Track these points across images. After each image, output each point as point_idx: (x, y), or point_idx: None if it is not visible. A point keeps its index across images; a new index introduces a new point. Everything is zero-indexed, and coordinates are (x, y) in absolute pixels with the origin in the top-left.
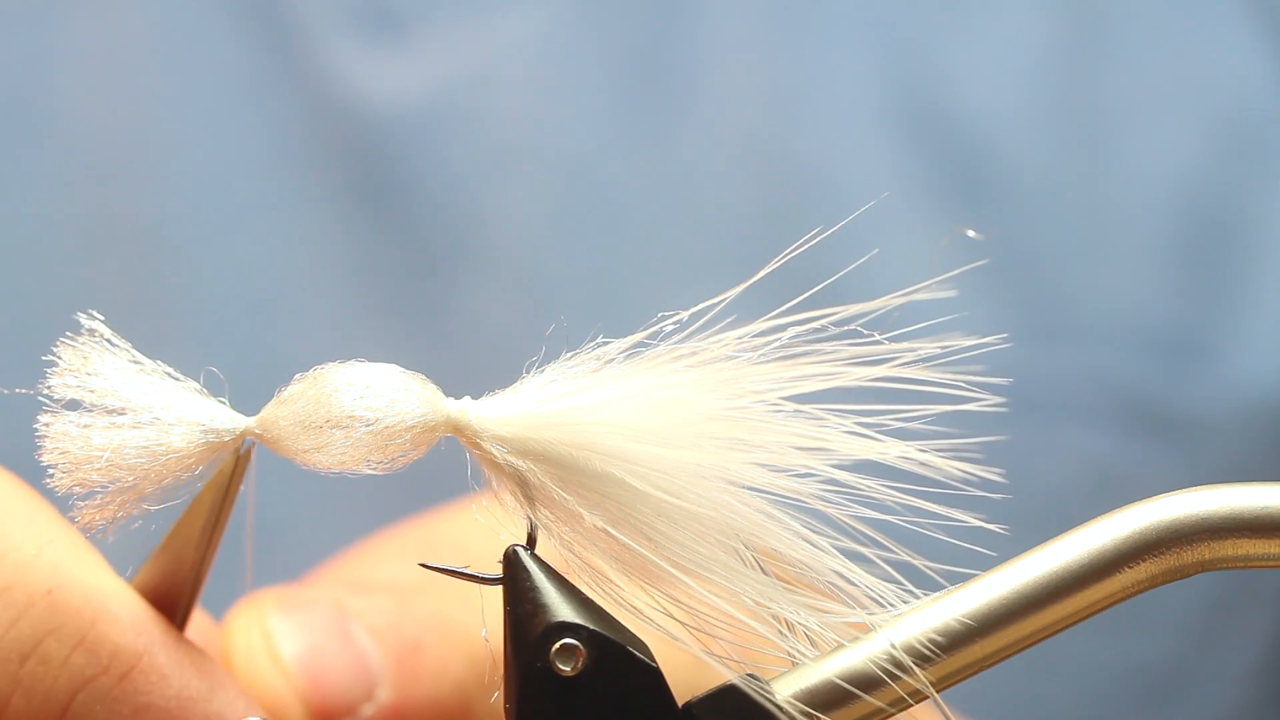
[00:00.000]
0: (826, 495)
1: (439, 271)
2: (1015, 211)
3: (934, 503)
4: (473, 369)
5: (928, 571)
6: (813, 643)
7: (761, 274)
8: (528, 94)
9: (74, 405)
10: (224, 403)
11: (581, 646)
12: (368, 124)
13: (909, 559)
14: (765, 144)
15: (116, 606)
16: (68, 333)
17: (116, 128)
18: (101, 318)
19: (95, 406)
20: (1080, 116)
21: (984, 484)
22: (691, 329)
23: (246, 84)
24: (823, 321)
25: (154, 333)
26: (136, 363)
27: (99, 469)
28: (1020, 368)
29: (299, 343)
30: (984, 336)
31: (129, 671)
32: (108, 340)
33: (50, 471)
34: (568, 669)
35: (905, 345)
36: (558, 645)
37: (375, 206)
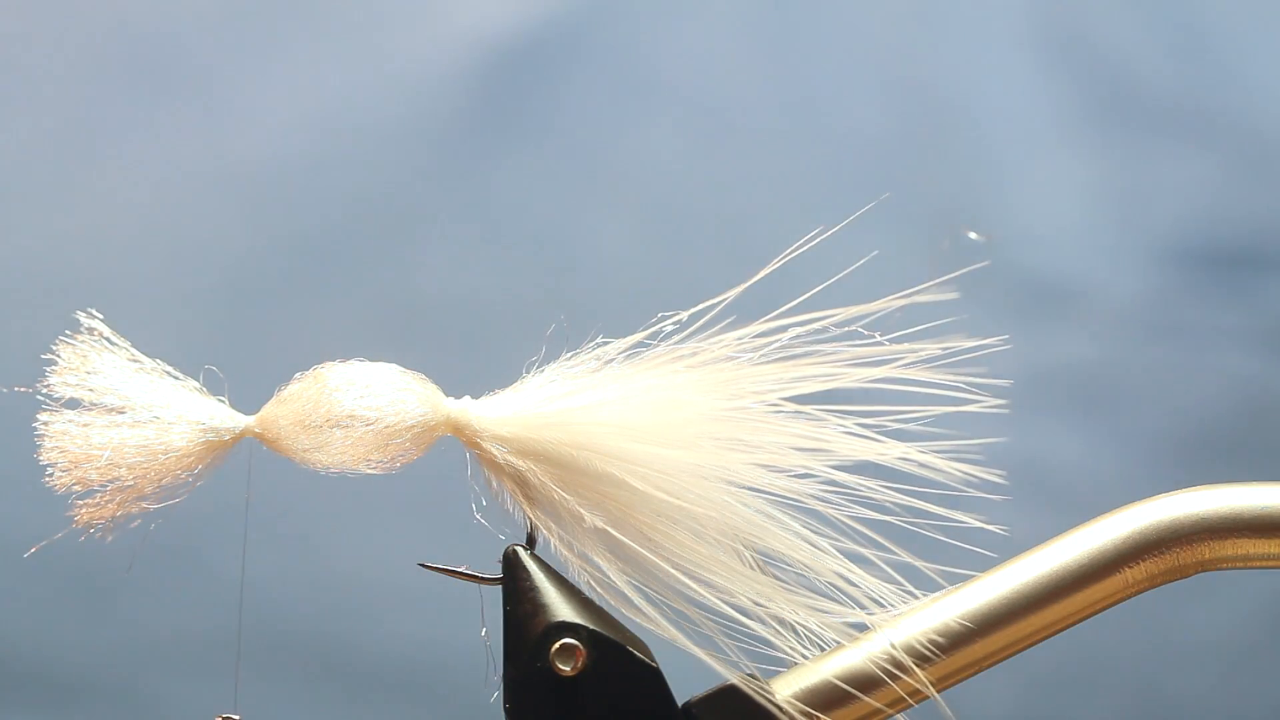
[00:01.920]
0: (826, 496)
1: (565, 197)
2: (1152, 138)
3: (936, 504)
4: (588, 299)
5: (928, 572)
6: (812, 642)
7: (762, 274)
8: (657, 20)
9: (73, 404)
10: (223, 401)
11: (581, 646)
12: (496, 53)
13: (909, 560)
14: (901, 68)
15: None
16: (67, 331)
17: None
18: (100, 315)
19: (95, 405)
20: (1214, 42)
21: (986, 481)
22: (692, 329)
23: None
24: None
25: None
26: (135, 361)
27: (98, 468)
28: (1162, 291)
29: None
30: (985, 338)
31: None
32: (107, 338)
33: (49, 470)
34: (568, 669)
35: (908, 344)
36: (558, 645)
37: (504, 134)
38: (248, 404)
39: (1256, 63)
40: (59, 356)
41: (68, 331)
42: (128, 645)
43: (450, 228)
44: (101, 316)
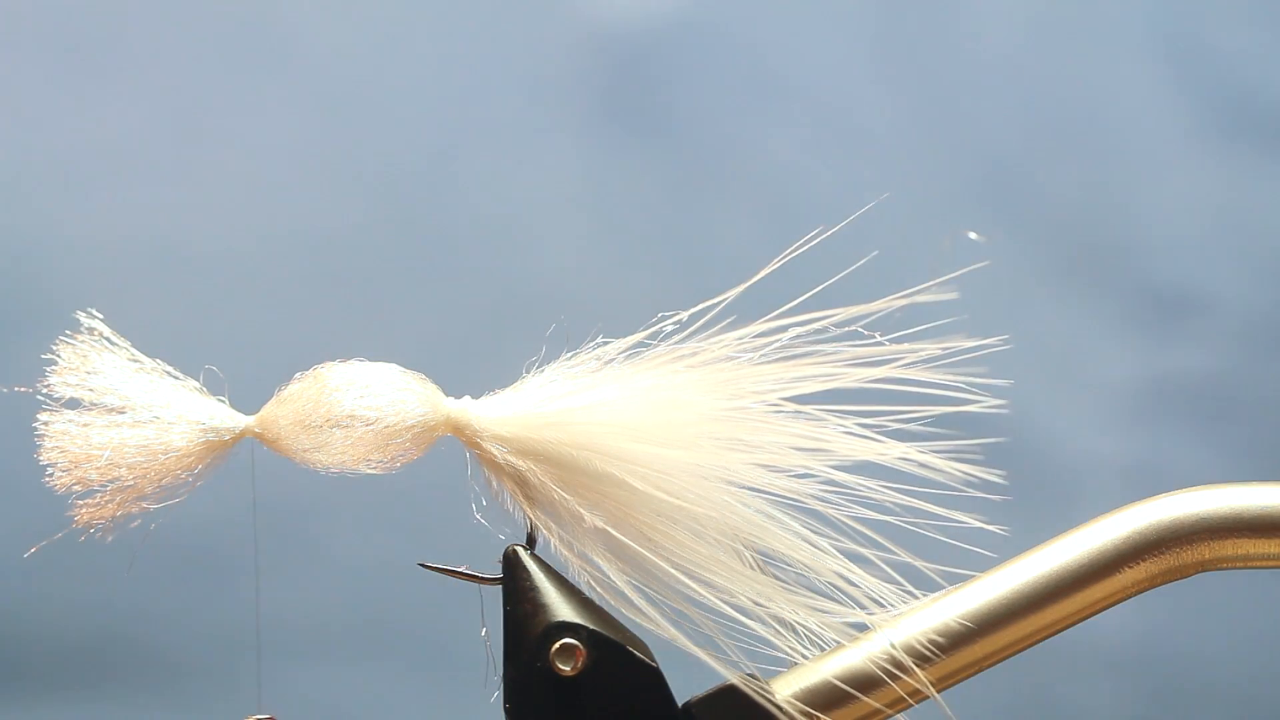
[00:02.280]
0: (826, 496)
1: (686, 194)
2: (1272, 162)
3: (936, 505)
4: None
5: (927, 572)
6: (812, 642)
7: (762, 274)
8: (781, 17)
9: (73, 404)
10: (223, 401)
11: (581, 646)
12: (619, 45)
13: (909, 560)
14: (1028, 78)
15: None
16: (67, 331)
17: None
18: (100, 315)
19: (95, 405)
20: None
21: (986, 482)
22: (692, 329)
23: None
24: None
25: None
26: (135, 361)
27: (98, 468)
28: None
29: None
30: (985, 338)
31: None
32: (107, 338)
33: (49, 470)
34: (567, 669)
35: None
36: (558, 645)
37: (627, 130)
38: (248, 404)
39: None
40: (59, 356)
41: (68, 331)
42: (232, 628)
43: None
44: (101, 316)
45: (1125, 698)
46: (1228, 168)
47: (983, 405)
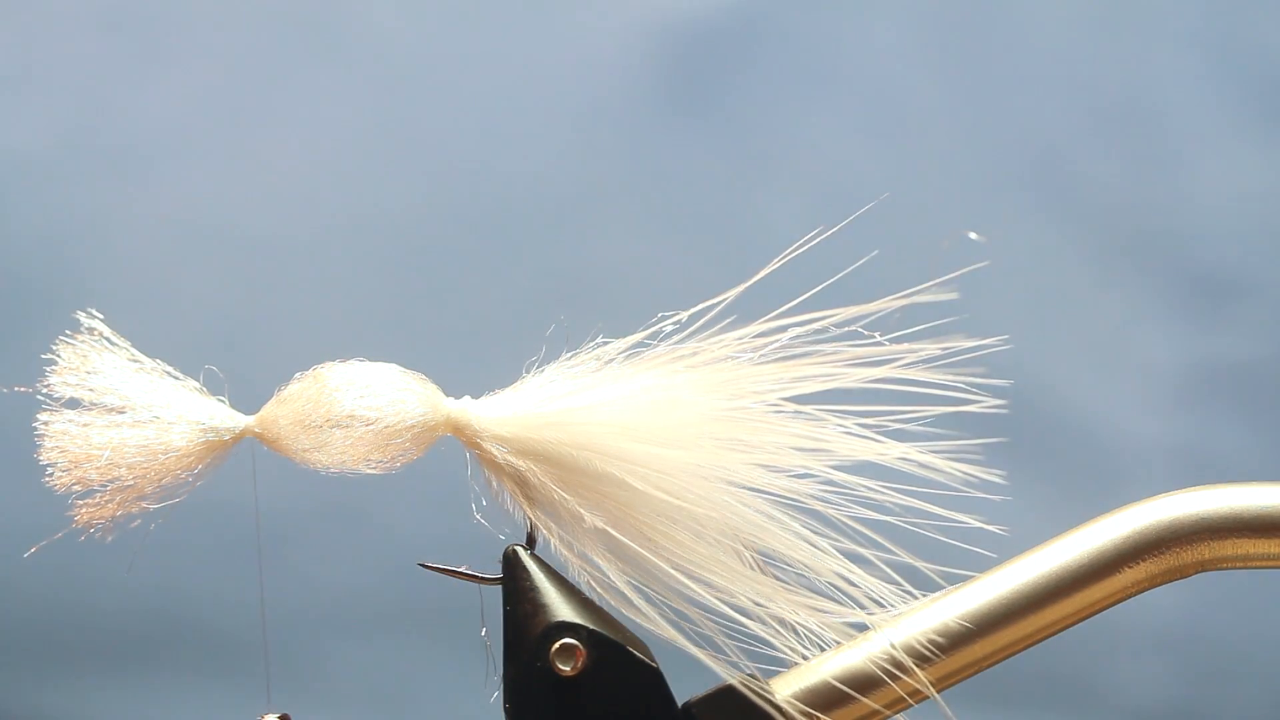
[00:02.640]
0: (826, 496)
1: (738, 183)
2: None
3: (936, 505)
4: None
5: (927, 572)
6: (812, 643)
7: (762, 273)
8: (836, 11)
9: (73, 404)
10: (223, 401)
11: (581, 646)
12: (678, 36)
13: (909, 560)
14: (1079, 66)
15: None
16: (67, 331)
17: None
18: (101, 315)
19: (95, 405)
20: None
21: (986, 482)
22: (692, 329)
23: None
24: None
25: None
26: (135, 361)
27: (98, 468)
28: None
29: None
30: (985, 338)
31: None
32: (107, 338)
33: (49, 470)
34: (567, 669)
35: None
36: (557, 645)
37: (684, 118)
38: (247, 404)
39: None
40: (59, 356)
41: (68, 331)
42: (293, 605)
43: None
44: (101, 316)
45: (1169, 678)
46: (1272, 154)
47: (983, 405)
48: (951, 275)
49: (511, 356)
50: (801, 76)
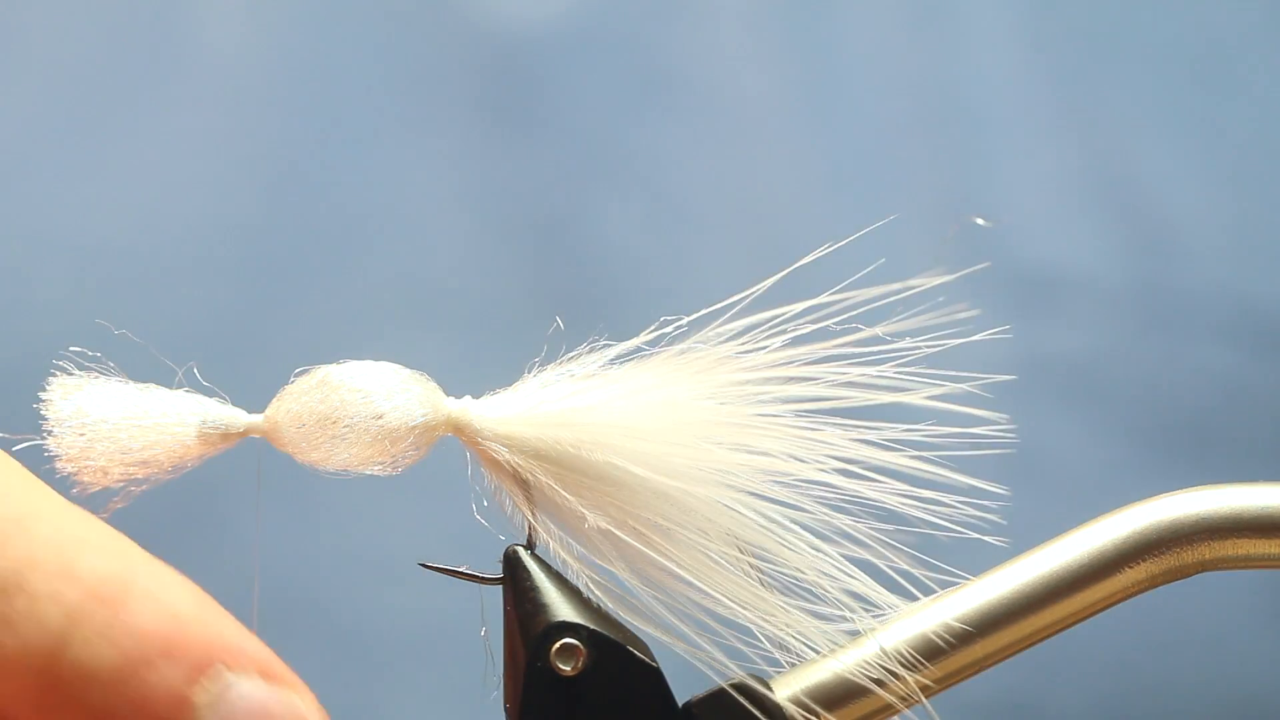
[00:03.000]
0: (826, 496)
1: (572, 197)
2: (1133, 139)
3: (936, 505)
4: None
5: (927, 572)
6: (812, 643)
7: (768, 282)
8: (668, 15)
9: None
10: (225, 400)
11: (582, 646)
12: (503, 44)
13: (909, 560)
14: (901, 57)
15: (92, 533)
16: (58, 363)
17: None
18: (80, 348)
19: (97, 435)
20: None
21: (993, 470)
22: (694, 331)
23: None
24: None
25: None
26: (129, 382)
27: (97, 468)
28: (1150, 282)
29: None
30: (986, 331)
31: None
32: (99, 367)
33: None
34: (568, 669)
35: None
36: (558, 645)
37: (509, 129)
38: (247, 403)
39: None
40: (51, 406)
41: (54, 375)
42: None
43: (452, 221)
44: (80, 349)
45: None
46: (1084, 143)
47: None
48: (953, 275)
49: (510, 356)
50: (636, 82)
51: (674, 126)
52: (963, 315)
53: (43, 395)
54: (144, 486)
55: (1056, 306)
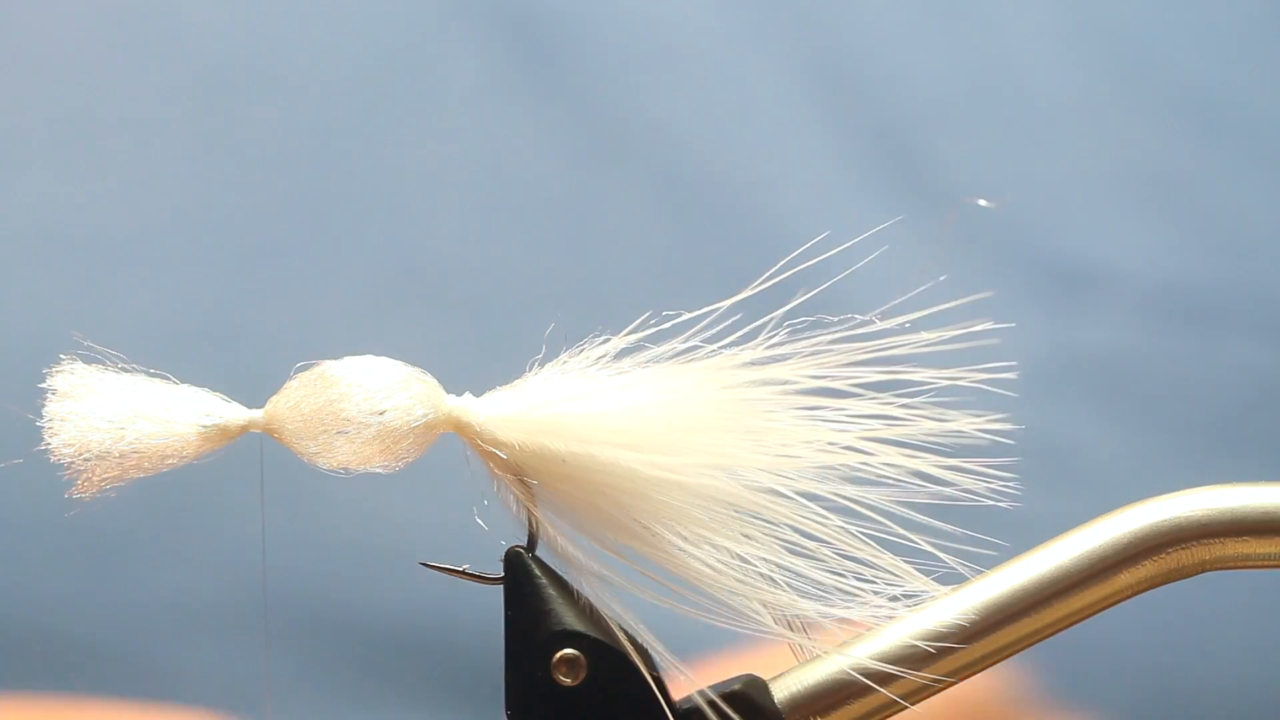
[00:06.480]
0: (826, 495)
1: (587, 169)
2: (1173, 136)
3: (939, 505)
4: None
5: (925, 573)
6: (812, 642)
7: (768, 281)
8: None
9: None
10: (225, 399)
11: (583, 655)
12: (520, 16)
13: (908, 561)
14: (925, 42)
15: None
16: (61, 357)
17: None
18: (73, 356)
19: (99, 438)
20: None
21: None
22: (695, 328)
23: None
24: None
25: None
26: (127, 380)
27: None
28: (1187, 278)
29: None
30: (989, 325)
31: None
32: (102, 362)
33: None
34: (569, 680)
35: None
36: (559, 655)
37: (516, 117)
38: (247, 396)
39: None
40: (52, 414)
41: (51, 380)
42: (133, 609)
43: (454, 218)
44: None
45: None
46: (1130, 141)
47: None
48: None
49: (509, 355)
50: (646, 57)
51: (673, 107)
52: (974, 299)
53: (43, 388)
54: (140, 475)
55: (1092, 300)
